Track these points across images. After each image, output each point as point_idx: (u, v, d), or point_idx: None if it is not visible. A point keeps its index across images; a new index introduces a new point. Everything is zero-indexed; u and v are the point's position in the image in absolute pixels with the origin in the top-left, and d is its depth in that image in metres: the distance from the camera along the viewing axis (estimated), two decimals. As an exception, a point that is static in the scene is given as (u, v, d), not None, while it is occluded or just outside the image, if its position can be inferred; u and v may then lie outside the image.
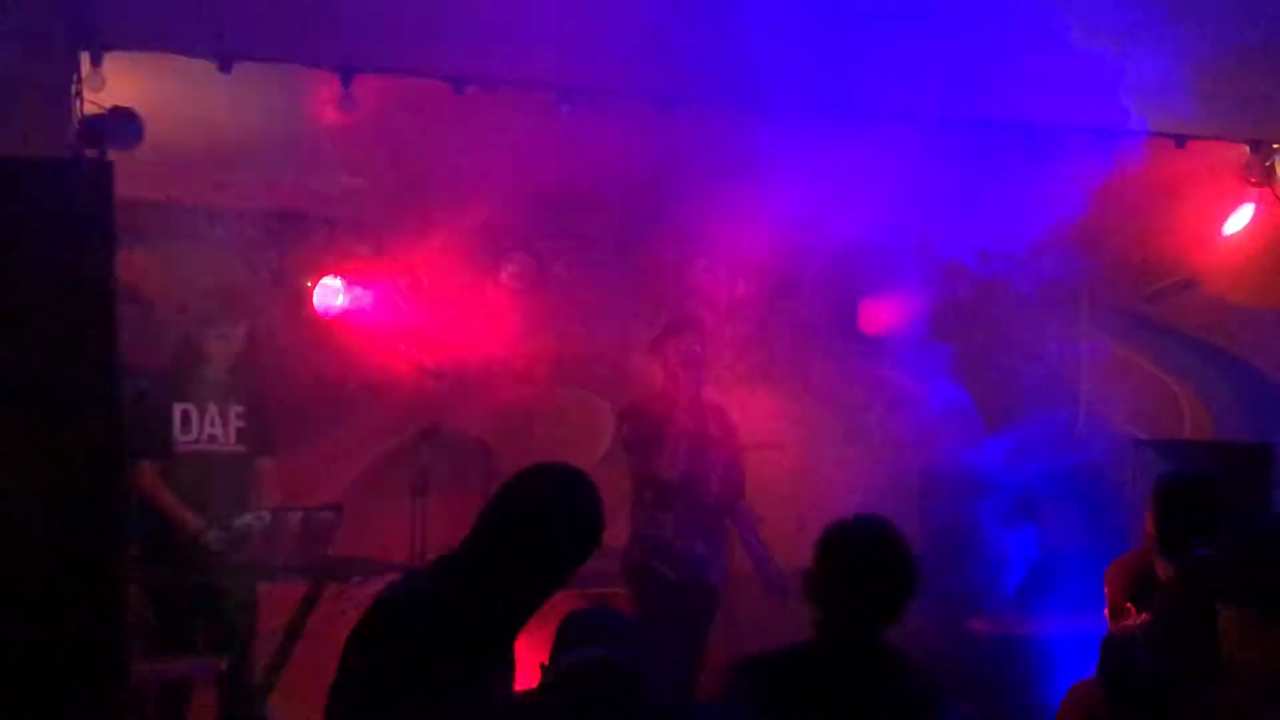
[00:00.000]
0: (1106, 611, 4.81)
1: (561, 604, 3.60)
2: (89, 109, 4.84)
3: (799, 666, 3.70)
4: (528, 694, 3.50)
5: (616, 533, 6.43)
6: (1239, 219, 7.16)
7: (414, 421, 6.73)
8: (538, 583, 3.50)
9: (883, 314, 7.58)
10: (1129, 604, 4.48)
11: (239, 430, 6.12)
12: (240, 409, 6.13)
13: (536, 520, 3.47)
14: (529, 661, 3.57)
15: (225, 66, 5.11)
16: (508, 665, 3.65)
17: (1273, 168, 6.68)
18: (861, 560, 3.70)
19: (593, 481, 3.60)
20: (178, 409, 6.03)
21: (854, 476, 7.93)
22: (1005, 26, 5.78)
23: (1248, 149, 6.61)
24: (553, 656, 3.44)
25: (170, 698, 5.78)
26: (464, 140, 5.83)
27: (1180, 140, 6.12)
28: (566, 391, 7.48)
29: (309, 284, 6.94)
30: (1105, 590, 4.81)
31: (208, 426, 6.07)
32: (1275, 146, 6.62)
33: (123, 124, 4.81)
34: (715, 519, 6.16)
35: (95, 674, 4.40)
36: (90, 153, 4.77)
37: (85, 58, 4.91)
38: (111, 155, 4.76)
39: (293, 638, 5.75)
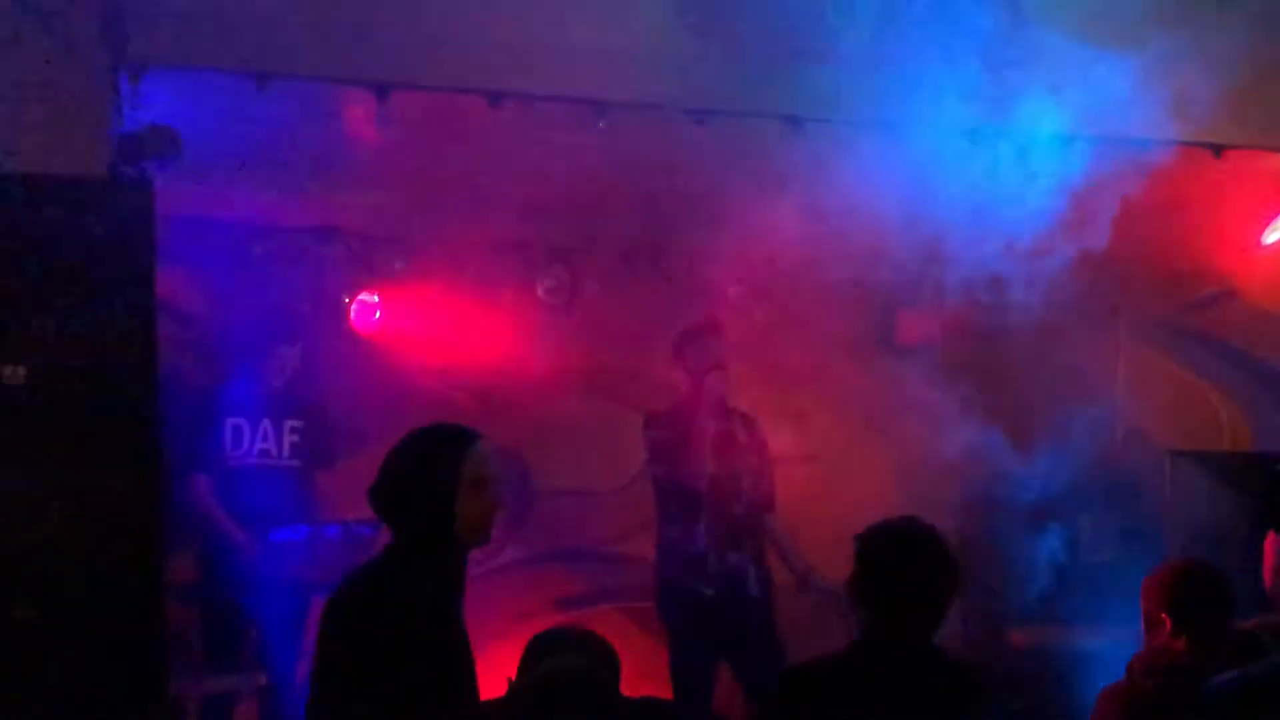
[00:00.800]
0: (1143, 624, 4.76)
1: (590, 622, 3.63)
2: (128, 127, 4.87)
3: (848, 670, 3.69)
4: (495, 702, 3.53)
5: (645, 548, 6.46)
6: (1278, 229, 7.12)
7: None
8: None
9: (918, 326, 7.55)
10: (1164, 615, 4.43)
11: (293, 445, 6.17)
12: (295, 423, 6.19)
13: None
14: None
15: (262, 84, 5.14)
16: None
17: (1312, 177, 6.64)
18: (904, 558, 3.70)
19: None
20: (229, 423, 6.08)
21: (889, 490, 7.90)
22: (1037, 35, 5.79)
23: (1287, 158, 6.56)
24: (520, 671, 3.50)
25: (213, 712, 5.82)
26: (499, 155, 5.85)
27: (1217, 150, 6.07)
28: (600, 406, 7.48)
29: (347, 300, 6.98)
30: (1141, 603, 4.75)
31: (260, 441, 6.13)
32: (1315, 156, 6.57)
33: (162, 141, 4.84)
34: (746, 527, 6.06)
35: (136, 689, 4.46)
36: (130, 171, 4.82)
37: (125, 76, 4.94)
38: (151, 173, 4.84)
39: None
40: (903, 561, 3.68)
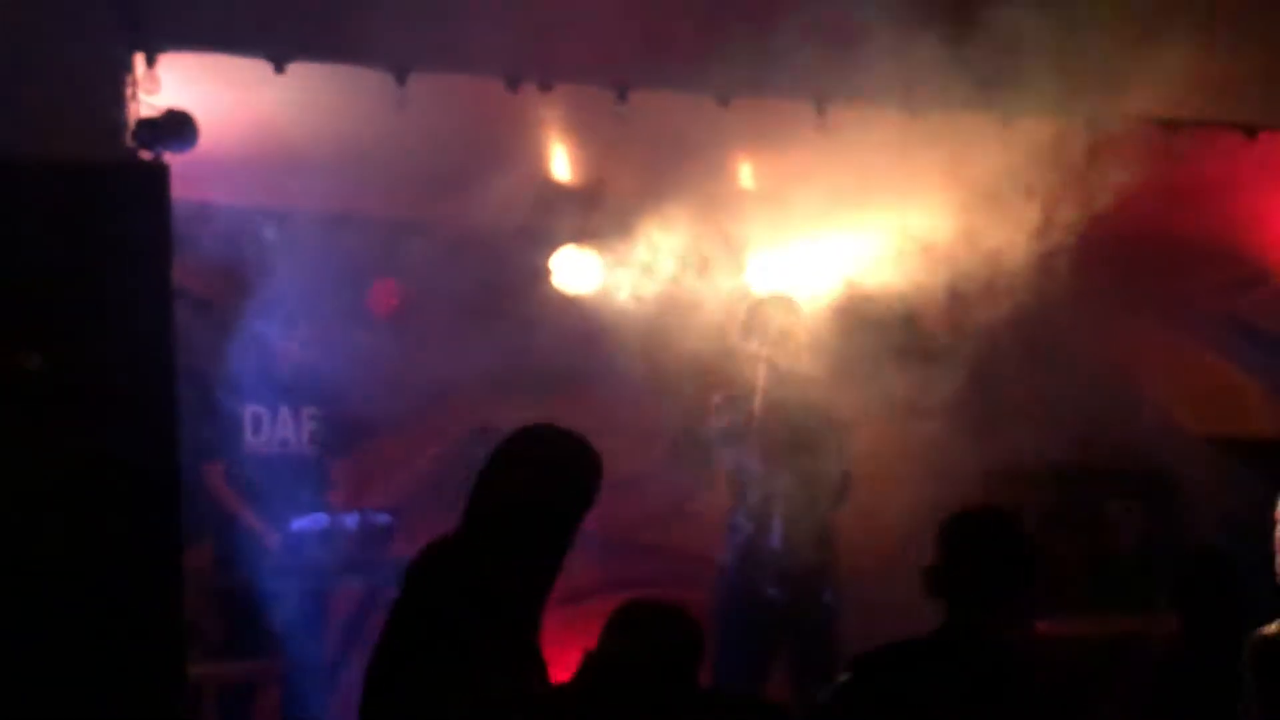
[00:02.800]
0: None
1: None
2: (144, 111, 4.81)
3: (921, 661, 3.63)
4: (564, 685, 3.45)
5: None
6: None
7: (470, 425, 6.69)
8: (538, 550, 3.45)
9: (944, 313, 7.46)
10: None
11: (311, 432, 6.12)
12: (313, 410, 6.14)
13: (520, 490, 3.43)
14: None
15: (279, 67, 5.07)
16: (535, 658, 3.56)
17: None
18: (987, 550, 3.64)
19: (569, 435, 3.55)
20: (248, 411, 6.04)
21: (913, 477, 7.84)
22: (1071, 17, 5.69)
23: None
24: (600, 641, 3.41)
25: (232, 699, 5.78)
26: (518, 138, 5.78)
27: (1251, 131, 5.97)
28: (617, 392, 7.40)
29: (368, 285, 6.92)
30: None
31: (279, 429, 6.08)
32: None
33: (178, 126, 4.78)
34: (822, 526, 5.74)
35: (153, 677, 4.41)
36: (145, 155, 4.77)
37: (140, 59, 4.89)
38: (167, 158, 4.78)
39: (351, 639, 5.75)
40: (986, 557, 3.61)
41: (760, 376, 5.74)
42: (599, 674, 3.37)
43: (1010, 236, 6.76)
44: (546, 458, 3.48)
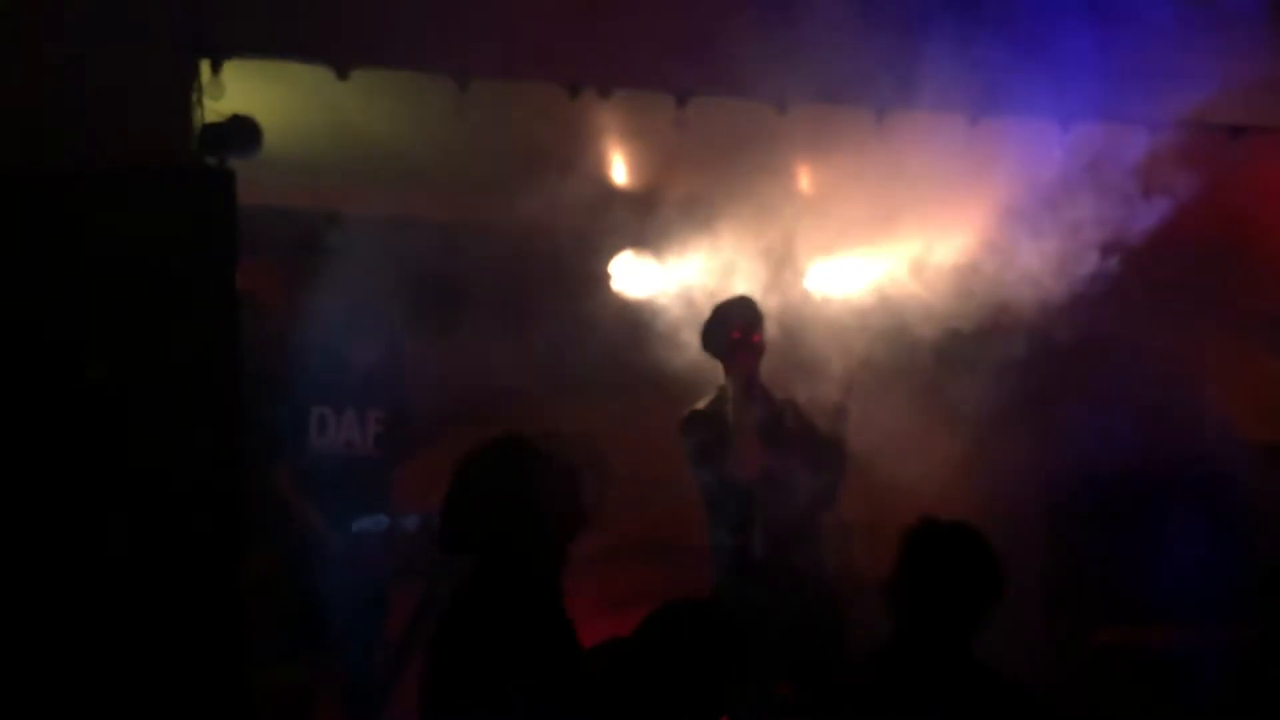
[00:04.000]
0: None
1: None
2: (209, 117, 4.87)
3: (872, 673, 3.61)
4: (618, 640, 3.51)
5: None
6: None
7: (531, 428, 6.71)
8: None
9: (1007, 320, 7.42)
10: None
11: (377, 436, 6.16)
12: (380, 414, 6.18)
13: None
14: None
15: (342, 73, 5.12)
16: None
17: None
18: (946, 564, 3.61)
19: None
20: (315, 413, 6.08)
21: (972, 479, 7.80)
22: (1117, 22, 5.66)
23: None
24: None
25: (294, 702, 5.83)
26: (582, 144, 5.81)
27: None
28: (674, 396, 7.42)
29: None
30: None
31: (345, 431, 6.12)
32: None
33: (243, 132, 4.84)
34: (806, 526, 5.65)
35: (215, 680, 4.46)
36: (211, 161, 4.82)
37: (205, 65, 4.94)
38: (232, 163, 4.84)
39: (411, 642, 5.77)
40: (944, 571, 3.58)
41: (730, 385, 5.68)
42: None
43: (1070, 242, 6.75)
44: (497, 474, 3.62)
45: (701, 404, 5.81)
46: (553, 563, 3.50)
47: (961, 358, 7.14)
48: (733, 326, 5.73)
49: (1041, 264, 6.58)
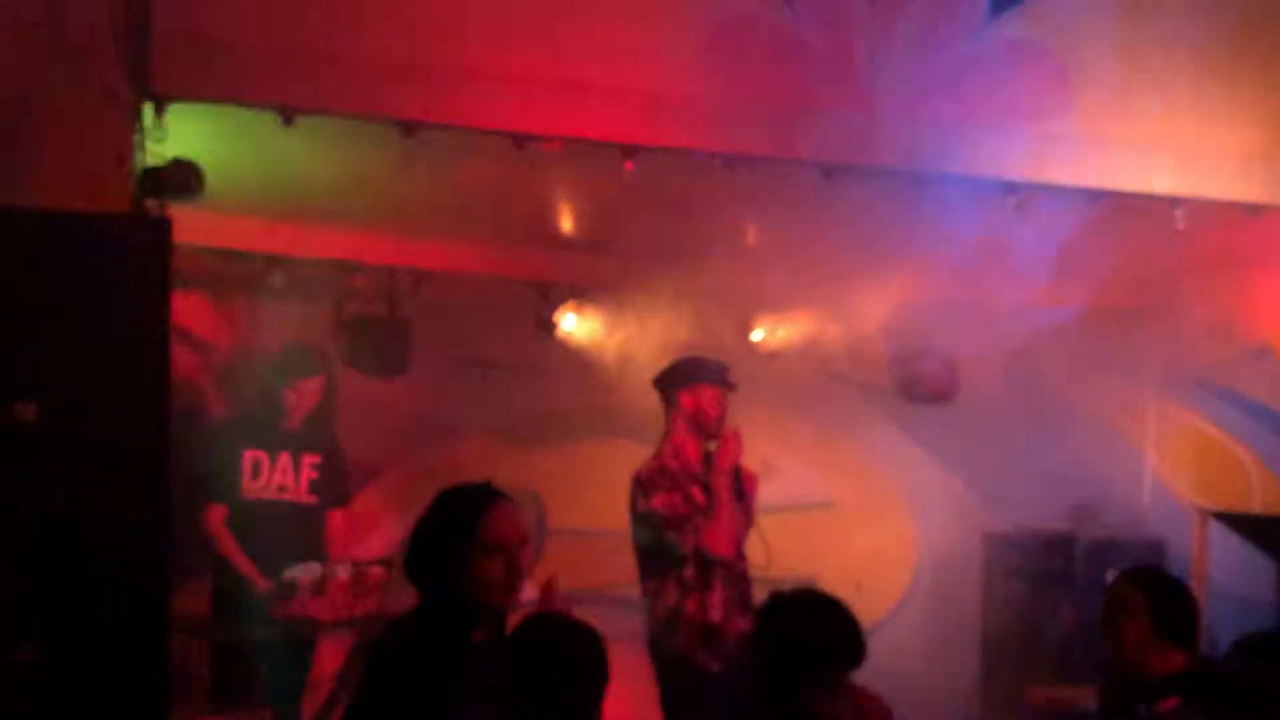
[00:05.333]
0: None
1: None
2: (151, 160, 4.84)
3: None
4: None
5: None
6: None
7: (468, 474, 6.70)
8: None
9: (945, 377, 7.47)
10: None
11: (311, 481, 6.13)
12: (315, 459, 6.14)
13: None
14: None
15: (287, 120, 5.10)
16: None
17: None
18: (799, 631, 3.67)
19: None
20: (249, 456, 6.04)
21: (911, 537, 7.85)
22: (1077, 89, 5.73)
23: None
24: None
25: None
26: (523, 194, 5.80)
27: (1255, 209, 5.98)
28: (617, 444, 7.42)
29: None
30: None
31: (279, 475, 6.09)
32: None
33: (184, 176, 4.81)
34: (747, 582, 5.65)
35: (139, 722, 4.39)
36: (151, 204, 4.79)
37: (149, 108, 4.91)
38: (174, 208, 4.81)
39: (340, 689, 5.72)
40: (798, 638, 3.66)
41: (712, 459, 5.61)
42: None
43: (1016, 300, 6.81)
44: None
45: (648, 462, 5.70)
46: (470, 616, 3.49)
47: (901, 417, 7.22)
48: (701, 397, 5.65)
49: (982, 324, 6.65)
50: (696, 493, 5.58)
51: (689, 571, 5.50)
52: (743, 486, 5.69)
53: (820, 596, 3.79)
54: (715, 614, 5.48)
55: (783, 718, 3.61)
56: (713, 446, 5.62)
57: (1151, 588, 4.13)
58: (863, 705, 3.89)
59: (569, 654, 3.49)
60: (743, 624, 5.45)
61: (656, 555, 5.55)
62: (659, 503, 5.53)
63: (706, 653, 5.45)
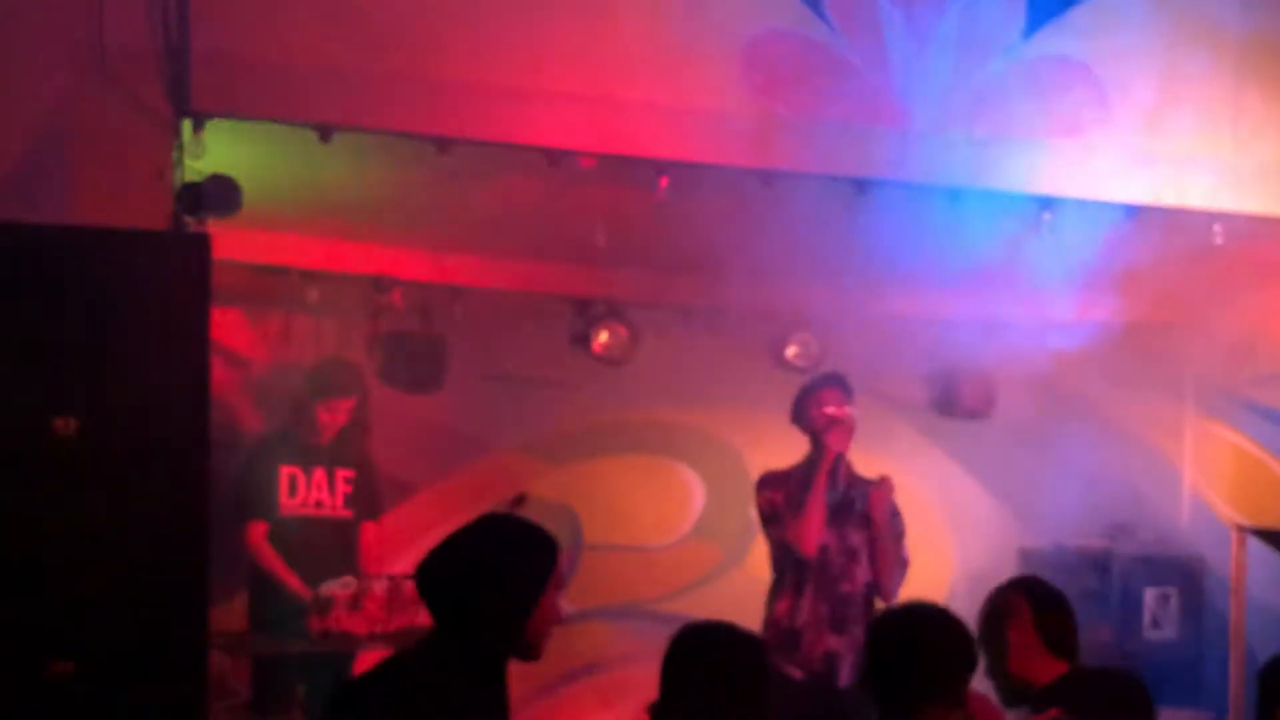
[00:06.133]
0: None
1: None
2: (189, 176, 4.87)
3: None
4: None
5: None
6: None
7: (503, 489, 6.71)
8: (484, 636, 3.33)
9: (981, 393, 7.45)
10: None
11: (346, 495, 6.15)
12: (349, 474, 6.16)
13: (464, 575, 3.32)
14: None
15: (325, 135, 5.13)
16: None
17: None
18: (915, 643, 3.58)
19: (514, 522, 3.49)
20: (285, 471, 6.06)
21: (947, 553, 7.80)
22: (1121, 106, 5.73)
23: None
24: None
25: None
26: (559, 210, 5.81)
27: (1293, 223, 5.95)
28: (653, 461, 7.42)
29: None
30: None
31: (314, 490, 6.11)
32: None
33: (222, 192, 4.83)
34: (852, 610, 5.66)
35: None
36: (190, 220, 4.82)
37: (187, 124, 4.95)
38: (212, 223, 4.84)
39: None
40: (914, 650, 3.57)
41: (817, 458, 5.70)
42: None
43: (1051, 316, 6.78)
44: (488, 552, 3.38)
45: (784, 466, 5.84)
46: (508, 645, 3.42)
47: (936, 433, 7.18)
48: (825, 402, 5.74)
49: (1018, 340, 6.62)
50: (801, 493, 5.64)
51: (790, 573, 5.63)
52: (856, 495, 5.72)
53: (931, 607, 3.70)
54: (799, 619, 5.56)
55: None
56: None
57: (1034, 596, 4.17)
58: (979, 714, 3.87)
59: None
60: (833, 643, 5.55)
61: (770, 555, 5.71)
62: (761, 500, 5.72)
63: (788, 658, 5.50)
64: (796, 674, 5.51)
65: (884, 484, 5.75)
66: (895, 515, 5.82)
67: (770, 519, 5.70)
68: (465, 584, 3.29)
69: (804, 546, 5.57)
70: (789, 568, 5.64)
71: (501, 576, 3.30)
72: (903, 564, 5.73)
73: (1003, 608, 4.16)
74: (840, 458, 5.71)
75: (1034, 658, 4.07)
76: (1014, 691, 4.11)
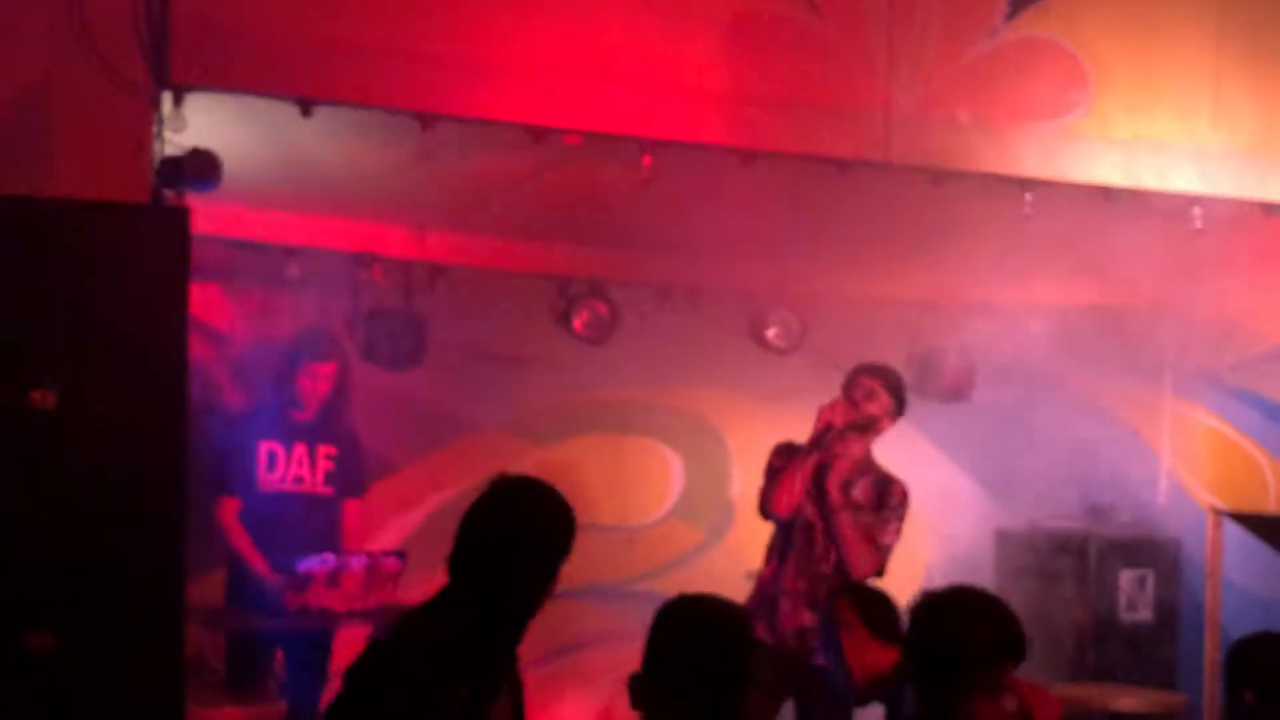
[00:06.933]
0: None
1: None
2: (169, 149, 4.84)
3: None
4: None
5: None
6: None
7: (483, 467, 6.71)
8: (518, 599, 3.46)
9: (960, 375, 7.47)
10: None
11: (327, 473, 6.12)
12: (331, 450, 6.13)
13: (502, 538, 3.45)
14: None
15: (306, 109, 5.10)
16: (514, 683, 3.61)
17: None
18: (944, 632, 3.51)
19: (549, 488, 3.60)
20: (264, 447, 6.04)
21: (925, 533, 7.83)
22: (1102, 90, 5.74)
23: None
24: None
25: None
26: (542, 188, 5.81)
27: (1269, 208, 5.97)
28: (634, 440, 7.43)
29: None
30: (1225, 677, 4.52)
31: (294, 466, 6.08)
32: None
33: (202, 165, 4.80)
34: (826, 588, 5.50)
35: (152, 718, 4.40)
36: (169, 193, 4.79)
37: (168, 97, 4.92)
38: (191, 197, 4.82)
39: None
40: (951, 632, 3.51)
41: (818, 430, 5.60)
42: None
43: (1031, 298, 6.81)
44: (524, 517, 3.51)
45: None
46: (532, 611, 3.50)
47: (915, 414, 7.17)
48: (855, 387, 5.70)
49: (998, 322, 6.64)
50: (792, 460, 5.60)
51: (779, 537, 5.62)
52: (854, 479, 5.64)
53: (975, 592, 3.65)
54: (777, 586, 5.53)
55: None
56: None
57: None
58: (1029, 700, 3.86)
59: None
60: (807, 619, 5.48)
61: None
62: (767, 465, 5.66)
63: (762, 621, 5.45)
64: (768, 639, 5.44)
65: (847, 455, 5.65)
66: (887, 502, 5.68)
67: (766, 478, 5.67)
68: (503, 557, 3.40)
69: (774, 505, 5.55)
70: (777, 532, 5.63)
71: (554, 541, 3.47)
72: (879, 547, 5.68)
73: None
74: (830, 427, 5.59)
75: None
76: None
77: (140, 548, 4.37)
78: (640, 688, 3.45)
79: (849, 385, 5.71)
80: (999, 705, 3.48)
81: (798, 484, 5.54)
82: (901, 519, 5.70)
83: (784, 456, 5.66)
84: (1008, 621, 3.55)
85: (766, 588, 5.61)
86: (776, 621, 5.53)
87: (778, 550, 5.63)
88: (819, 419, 5.58)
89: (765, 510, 5.61)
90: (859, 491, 5.63)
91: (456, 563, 3.48)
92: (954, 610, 3.57)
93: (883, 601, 4.41)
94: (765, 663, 5.08)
